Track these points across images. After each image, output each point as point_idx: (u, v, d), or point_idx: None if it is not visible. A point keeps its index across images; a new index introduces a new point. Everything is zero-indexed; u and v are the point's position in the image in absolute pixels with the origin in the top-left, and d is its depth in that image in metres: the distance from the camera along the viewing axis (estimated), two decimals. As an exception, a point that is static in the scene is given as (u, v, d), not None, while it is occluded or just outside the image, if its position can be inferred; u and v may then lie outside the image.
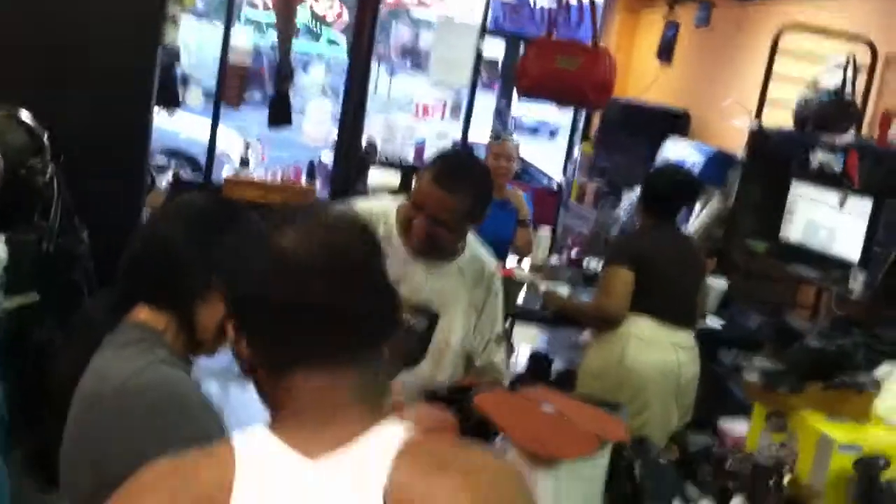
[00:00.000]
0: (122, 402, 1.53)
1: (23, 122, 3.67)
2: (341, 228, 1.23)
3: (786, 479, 2.02)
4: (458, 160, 2.59)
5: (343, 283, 1.17)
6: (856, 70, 4.83)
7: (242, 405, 2.70)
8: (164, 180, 6.94)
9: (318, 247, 1.18)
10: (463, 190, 2.35)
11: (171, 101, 7.66)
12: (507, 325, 5.80)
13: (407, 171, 6.89)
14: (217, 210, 1.75)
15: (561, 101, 6.61)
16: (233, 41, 7.98)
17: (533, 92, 6.08)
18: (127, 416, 1.52)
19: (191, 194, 1.87)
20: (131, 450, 1.48)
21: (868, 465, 1.99)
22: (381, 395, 1.25)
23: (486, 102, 11.59)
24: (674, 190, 3.82)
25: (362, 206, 2.54)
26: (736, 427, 2.47)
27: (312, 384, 1.17)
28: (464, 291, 2.55)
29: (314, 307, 1.16)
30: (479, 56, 8.09)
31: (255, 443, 1.15)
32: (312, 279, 1.16)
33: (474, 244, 2.61)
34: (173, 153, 9.94)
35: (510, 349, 6.05)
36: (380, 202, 2.61)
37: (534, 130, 22.45)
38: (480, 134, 10.59)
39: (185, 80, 9.33)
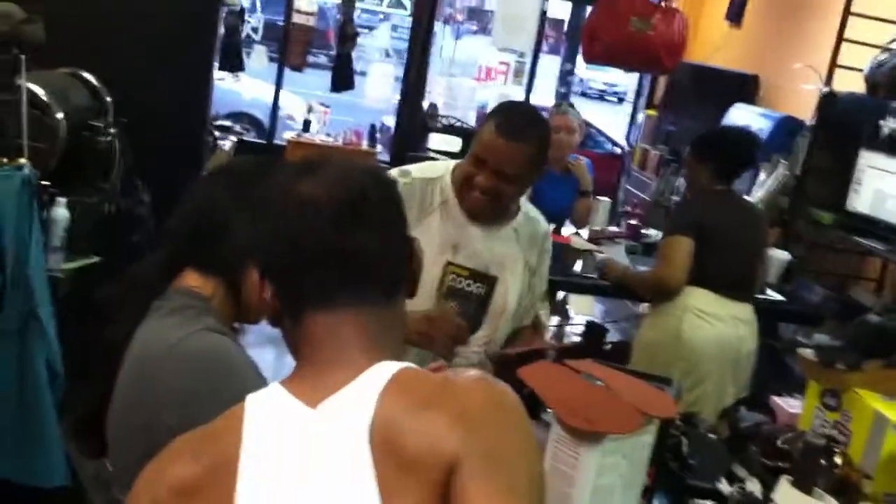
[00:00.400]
0: (171, 368, 1.53)
1: (86, 82, 3.71)
2: (355, 173, 1.25)
3: (837, 460, 1.97)
4: (518, 109, 2.53)
5: (351, 223, 1.19)
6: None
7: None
8: (228, 142, 6.99)
9: (329, 187, 1.21)
10: (528, 138, 2.29)
11: (235, 63, 7.75)
12: (563, 294, 5.78)
13: (468, 136, 6.85)
14: (264, 172, 1.70)
15: (633, 66, 6.50)
16: (297, 2, 8.00)
17: (604, 58, 5.98)
18: (175, 382, 1.53)
19: (242, 157, 1.87)
20: (182, 415, 1.49)
21: (924, 447, 1.94)
22: (394, 343, 1.26)
23: (550, 65, 11.46)
24: (736, 152, 3.72)
25: (417, 169, 2.50)
26: (790, 404, 2.42)
27: (320, 327, 1.20)
28: (520, 254, 2.52)
29: (323, 247, 1.19)
30: (543, 16, 7.99)
31: (264, 399, 1.17)
32: (321, 219, 1.18)
33: (527, 205, 2.58)
34: (237, 115, 10.02)
35: (566, 317, 6.03)
36: (434, 165, 2.57)
37: (600, 95, 22.17)
38: (544, 98, 10.50)
39: (250, 42, 9.40)
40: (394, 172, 2.43)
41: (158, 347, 1.56)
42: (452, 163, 2.50)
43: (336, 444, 1.11)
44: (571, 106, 4.85)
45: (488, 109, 7.99)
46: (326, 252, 1.19)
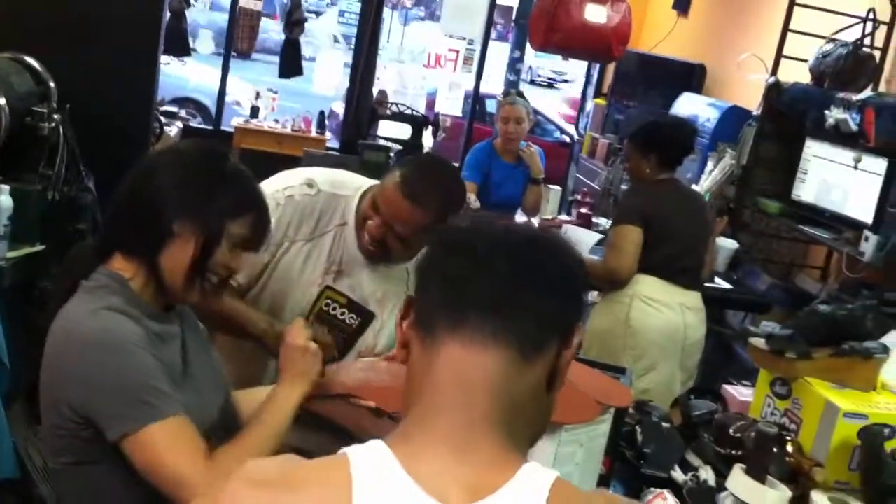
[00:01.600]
0: (69, 349, 1.62)
1: (29, 67, 3.62)
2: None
3: (789, 448, 2.00)
4: (431, 168, 2.30)
5: (535, 257, 1.10)
6: (875, 24, 4.74)
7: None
8: (174, 128, 6.90)
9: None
10: (428, 204, 2.13)
11: (181, 48, 7.64)
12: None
13: (418, 123, 6.82)
14: (192, 157, 1.77)
15: (583, 55, 6.52)
16: (243, -13, 7.89)
17: (557, 46, 5.98)
18: (67, 359, 1.62)
19: (177, 142, 1.89)
20: (79, 395, 1.61)
21: (873, 435, 1.97)
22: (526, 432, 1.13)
23: (499, 53, 11.47)
24: (676, 142, 3.76)
25: (325, 182, 2.34)
26: (740, 392, 2.45)
27: (454, 358, 1.06)
28: (403, 295, 2.33)
29: (495, 267, 1.07)
30: (492, 3, 7.98)
31: (377, 471, 1.02)
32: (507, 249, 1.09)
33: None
34: (183, 101, 9.88)
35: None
36: (345, 182, 2.38)
37: (549, 82, 22.23)
38: (493, 86, 10.50)
39: (195, 28, 9.27)
40: (299, 179, 2.33)
41: (63, 327, 1.64)
42: (366, 185, 2.35)
43: None
44: (520, 95, 4.85)
45: (438, 96, 7.99)
46: (497, 269, 1.07)
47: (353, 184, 2.36)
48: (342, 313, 2.31)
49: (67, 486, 1.73)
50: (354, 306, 2.31)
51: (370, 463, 1.02)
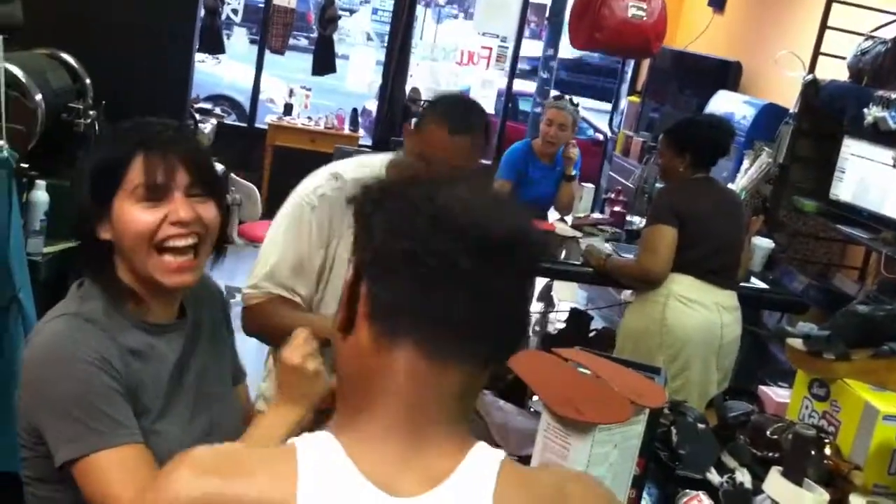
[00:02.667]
0: (27, 354, 1.54)
1: (65, 64, 3.65)
2: (516, 209, 1.10)
3: (827, 450, 1.97)
4: (458, 101, 2.40)
5: (502, 264, 1.03)
6: (916, 21, 4.68)
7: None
8: (208, 125, 6.93)
9: (487, 216, 1.04)
10: (474, 127, 2.24)
11: (216, 46, 7.68)
12: (548, 281, 5.78)
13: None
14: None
15: (623, 52, 6.49)
16: (278, -15, 7.91)
17: (597, 44, 5.96)
18: (25, 368, 1.52)
19: None
20: (25, 404, 1.52)
21: (913, 438, 1.94)
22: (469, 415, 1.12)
23: (532, 50, 11.42)
24: (713, 141, 3.72)
25: (349, 170, 2.37)
26: (777, 393, 2.41)
27: (415, 370, 1.03)
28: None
29: (467, 275, 1.01)
30: (526, 2, 7.95)
31: (323, 463, 1.01)
32: (475, 246, 1.01)
33: None
34: (217, 98, 9.93)
35: (550, 304, 6.03)
36: (366, 163, 2.43)
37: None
38: (526, 84, 10.47)
39: (230, 25, 9.31)
40: (325, 176, 2.35)
41: (35, 330, 1.57)
42: (387, 157, 2.40)
43: None
44: (571, 102, 4.81)
45: (471, 94, 7.97)
46: (468, 282, 1.01)
47: (376, 161, 2.41)
48: None
49: (29, 501, 1.60)
50: None
51: (317, 454, 1.01)
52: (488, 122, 2.34)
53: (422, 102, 7.27)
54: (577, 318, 5.49)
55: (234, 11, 9.29)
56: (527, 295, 1.10)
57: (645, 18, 5.71)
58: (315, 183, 2.34)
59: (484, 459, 1.04)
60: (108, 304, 1.55)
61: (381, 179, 1.11)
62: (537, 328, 5.54)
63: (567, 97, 4.85)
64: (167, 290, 1.60)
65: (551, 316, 5.96)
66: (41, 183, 3.17)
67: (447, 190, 1.04)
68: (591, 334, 5.20)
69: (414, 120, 2.44)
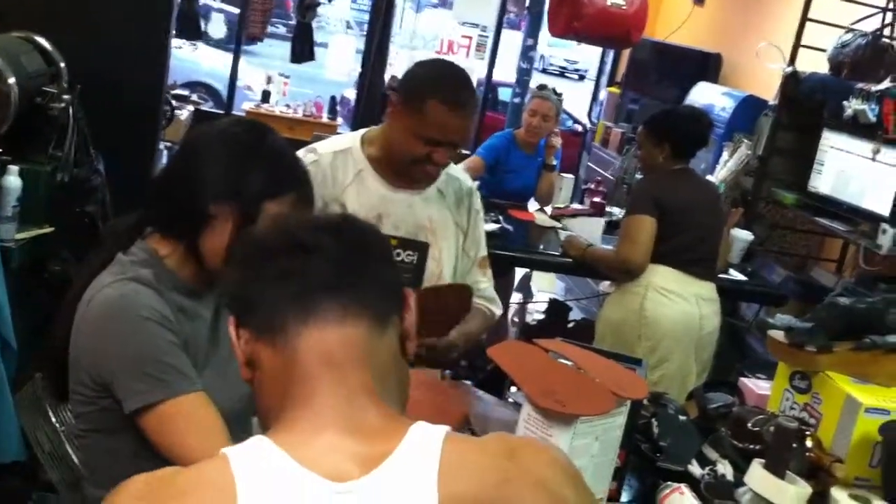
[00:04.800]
0: (87, 313, 1.62)
1: (39, 47, 3.58)
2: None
3: (809, 443, 1.96)
4: (448, 74, 2.35)
5: (355, 233, 1.14)
6: (895, 14, 4.68)
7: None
8: (185, 111, 6.87)
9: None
10: (473, 105, 2.28)
11: (193, 31, 7.60)
12: (527, 271, 5.77)
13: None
14: (230, 134, 1.73)
15: (602, 41, 6.48)
16: (256, -30, 7.84)
17: (582, 32, 5.94)
18: (86, 326, 1.62)
19: (224, 119, 1.86)
20: (90, 359, 1.62)
21: (895, 431, 1.93)
22: (399, 382, 1.15)
23: (512, 40, 11.39)
24: (692, 132, 3.71)
25: (322, 145, 2.42)
26: (758, 385, 2.40)
27: (316, 346, 1.06)
28: (448, 214, 2.44)
29: (324, 249, 1.09)
30: (506, -9, 7.93)
31: (259, 463, 1.00)
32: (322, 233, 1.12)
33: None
34: (194, 85, 9.85)
35: (529, 295, 6.02)
36: (341, 137, 2.48)
37: (561, 71, 22.13)
38: (506, 73, 10.44)
39: (207, 11, 9.23)
40: (302, 152, 2.33)
41: (89, 295, 1.64)
42: (359, 132, 2.43)
43: None
44: (555, 93, 4.79)
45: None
46: (327, 253, 1.09)
47: (347, 137, 2.43)
48: (398, 254, 2.29)
49: (88, 453, 1.74)
50: (406, 243, 2.31)
51: (251, 457, 1.00)
52: (476, 96, 2.38)
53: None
54: (556, 309, 5.48)
55: (212, -2, 9.22)
56: (373, 249, 1.15)
57: (625, 8, 5.68)
58: None
59: (425, 437, 1.04)
60: (157, 270, 1.67)
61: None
62: (516, 319, 5.53)
63: (550, 87, 4.83)
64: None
65: (530, 307, 5.95)
66: (14, 168, 3.12)
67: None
68: (570, 325, 5.20)
69: (392, 84, 2.45)
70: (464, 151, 4.62)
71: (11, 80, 3.14)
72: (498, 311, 2.57)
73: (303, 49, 7.89)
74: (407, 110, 2.26)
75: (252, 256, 1.13)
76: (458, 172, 2.52)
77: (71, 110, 3.48)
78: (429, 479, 1.00)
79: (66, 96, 3.48)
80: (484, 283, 2.52)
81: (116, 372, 1.58)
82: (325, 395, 1.05)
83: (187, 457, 1.52)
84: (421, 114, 2.22)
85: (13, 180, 3.10)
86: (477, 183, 2.58)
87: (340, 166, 2.34)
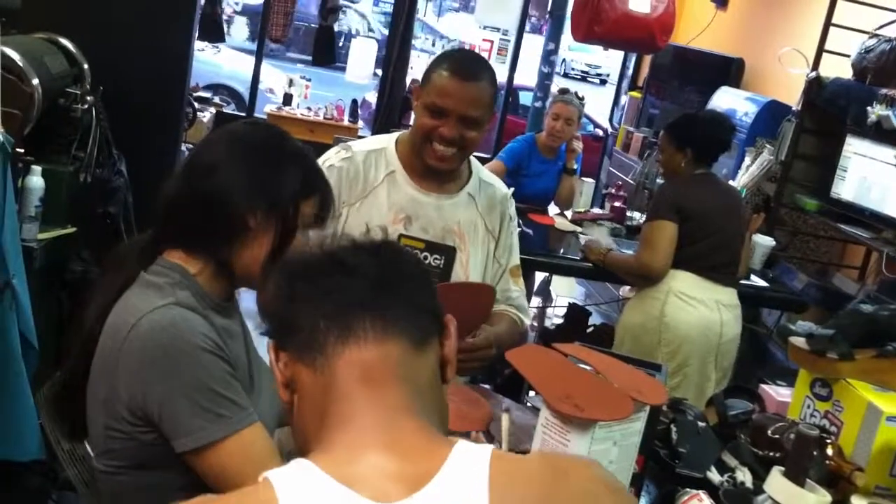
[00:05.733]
0: (129, 342, 1.51)
1: (63, 48, 3.61)
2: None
3: (829, 451, 1.94)
4: (462, 52, 2.48)
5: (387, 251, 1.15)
6: (922, 19, 4.64)
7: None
8: (207, 114, 6.90)
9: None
10: (484, 76, 2.22)
11: (216, 34, 7.63)
12: (546, 275, 5.75)
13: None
14: (257, 139, 1.68)
15: (627, 45, 6.45)
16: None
17: (599, 37, 5.91)
18: (130, 356, 1.50)
19: (234, 124, 1.78)
20: (135, 392, 1.50)
21: (916, 440, 1.91)
22: (435, 405, 1.13)
23: (534, 45, 11.38)
24: (714, 137, 3.69)
25: (357, 143, 2.41)
26: (778, 392, 2.38)
27: (357, 365, 1.06)
28: (479, 219, 2.40)
29: (364, 269, 1.11)
30: (528, -6, 7.92)
31: (303, 486, 0.99)
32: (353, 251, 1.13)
33: (480, 169, 2.47)
34: (216, 87, 9.90)
35: (548, 299, 6.00)
36: (376, 138, 2.47)
37: (583, 76, 22.08)
38: (528, 77, 10.43)
39: (230, 14, 9.27)
40: (335, 150, 2.36)
41: (124, 321, 1.53)
42: (396, 134, 2.41)
43: None
44: (578, 97, 4.79)
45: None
46: (360, 273, 1.11)
47: (384, 138, 2.41)
48: (424, 257, 2.29)
49: (123, 489, 1.60)
50: (433, 247, 2.30)
51: (294, 480, 0.99)
52: (494, 76, 2.30)
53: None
54: (576, 314, 5.46)
55: (236, 1, 9.26)
56: (414, 276, 1.15)
57: (648, 13, 5.65)
58: (324, 157, 2.34)
59: (470, 456, 1.02)
60: (191, 291, 1.59)
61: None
62: (535, 323, 5.51)
63: (572, 91, 4.82)
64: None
65: (549, 311, 5.93)
66: (37, 168, 3.14)
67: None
68: (589, 330, 5.18)
69: (418, 79, 2.43)
70: (483, 155, 4.62)
71: (35, 81, 3.16)
72: (528, 321, 2.56)
73: (324, 52, 7.91)
74: (420, 90, 2.28)
75: (293, 277, 1.13)
76: (493, 178, 2.49)
77: (94, 111, 3.51)
78: (479, 492, 0.99)
79: (88, 98, 3.50)
80: (515, 291, 2.49)
81: (168, 406, 1.48)
82: (365, 415, 1.05)
83: None
84: (428, 85, 2.24)
85: (36, 181, 3.12)
86: (511, 191, 2.55)
87: (373, 165, 2.33)
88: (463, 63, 2.25)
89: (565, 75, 20.49)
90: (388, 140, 2.39)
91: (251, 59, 8.29)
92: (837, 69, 4.88)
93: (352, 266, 1.10)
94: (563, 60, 20.00)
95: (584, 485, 1.05)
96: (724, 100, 6.16)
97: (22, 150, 3.08)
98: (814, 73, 4.87)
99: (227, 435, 1.49)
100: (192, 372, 1.49)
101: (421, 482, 0.99)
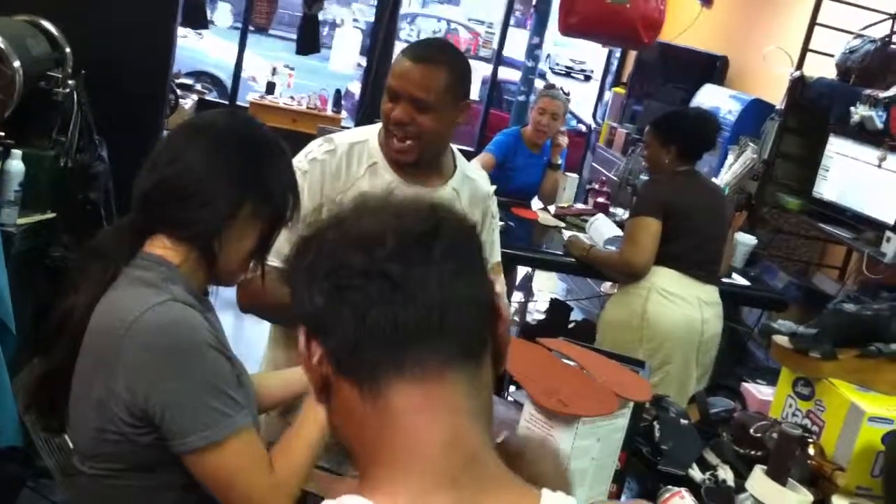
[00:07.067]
0: (129, 340, 1.45)
1: (45, 31, 3.57)
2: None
3: (811, 450, 1.94)
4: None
5: (429, 252, 0.95)
6: (905, 20, 4.67)
7: (257, 338, 2.66)
8: (189, 101, 6.85)
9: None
10: (441, 61, 2.17)
11: (199, 20, 7.57)
12: (529, 270, 5.75)
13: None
14: (244, 132, 1.64)
15: (612, 40, 6.40)
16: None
17: (580, 30, 5.85)
18: (131, 355, 1.45)
19: (211, 112, 1.74)
20: (137, 391, 1.45)
21: (897, 440, 1.91)
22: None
23: (518, 39, 11.38)
24: (700, 134, 3.69)
25: (339, 135, 2.38)
26: (760, 391, 2.39)
27: (417, 400, 0.93)
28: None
29: (415, 282, 0.93)
30: (514, -11, 7.90)
31: None
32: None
33: (465, 164, 2.44)
34: (198, 74, 9.83)
35: (530, 294, 6.01)
36: (359, 130, 2.43)
37: (567, 71, 22.09)
38: (512, 72, 10.42)
39: (214, 0, 9.20)
40: (318, 142, 2.34)
41: (119, 319, 1.48)
42: (378, 125, 2.36)
43: None
44: (563, 91, 4.78)
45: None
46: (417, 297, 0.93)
47: (367, 129, 2.38)
48: None
49: (108, 492, 1.55)
50: None
51: None
52: (465, 64, 2.25)
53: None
54: (557, 309, 5.46)
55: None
56: (466, 266, 0.99)
57: (627, 6, 5.56)
58: (306, 150, 2.31)
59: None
60: (181, 286, 1.55)
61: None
62: (517, 318, 5.51)
63: (558, 86, 4.82)
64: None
65: (530, 306, 5.93)
66: (17, 152, 3.10)
67: (337, 221, 0.99)
68: (571, 325, 5.18)
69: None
70: (466, 148, 4.60)
71: (16, 64, 3.13)
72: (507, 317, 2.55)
73: (308, 41, 7.86)
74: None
75: (330, 274, 0.95)
76: (476, 174, 2.47)
77: (75, 95, 3.47)
78: None
79: (70, 81, 3.47)
80: (497, 288, 2.48)
81: (172, 405, 1.44)
82: (435, 461, 0.92)
83: (249, 495, 1.47)
84: (390, 72, 2.22)
85: (16, 164, 3.09)
86: (493, 188, 2.52)
87: (355, 157, 2.30)
88: (421, 47, 2.28)
89: (549, 70, 20.48)
90: (370, 132, 2.36)
91: (234, 47, 8.24)
92: (822, 69, 4.90)
93: (400, 278, 0.92)
94: (548, 55, 19.98)
95: None
96: (708, 97, 6.17)
97: (2, 134, 3.05)
98: (798, 73, 4.89)
99: (230, 433, 1.46)
100: (203, 370, 1.46)
101: None
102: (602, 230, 4.24)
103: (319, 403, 1.01)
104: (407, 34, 9.78)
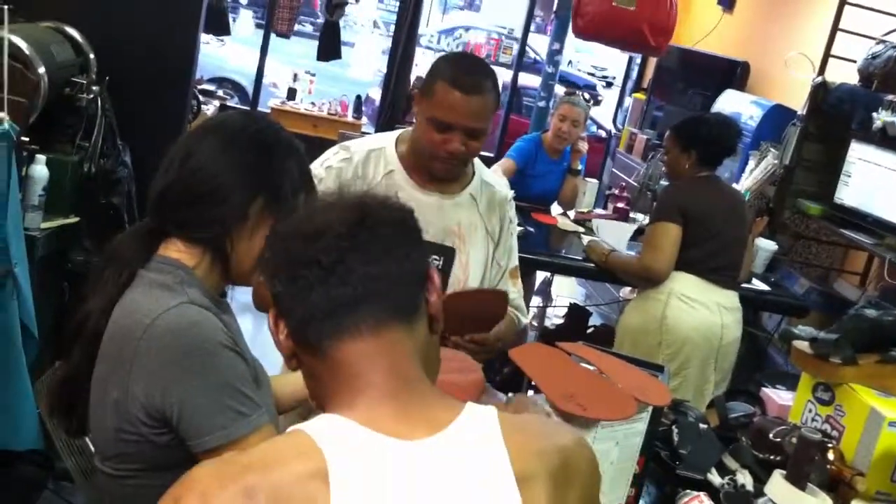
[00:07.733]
0: (147, 342, 1.46)
1: (69, 37, 3.60)
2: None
3: (830, 455, 1.94)
4: (463, 57, 2.40)
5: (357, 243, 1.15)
6: (929, 25, 4.64)
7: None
8: (211, 107, 6.89)
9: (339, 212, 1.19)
10: (488, 88, 2.19)
11: (221, 27, 7.62)
12: (547, 275, 5.75)
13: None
14: (255, 130, 1.64)
15: (619, 44, 6.37)
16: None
17: (588, 33, 5.83)
18: (148, 357, 1.46)
19: (223, 112, 1.76)
20: (154, 393, 1.46)
21: (918, 446, 1.91)
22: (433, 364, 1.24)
23: (539, 44, 11.38)
24: (720, 139, 3.68)
25: (356, 143, 2.38)
26: (780, 396, 2.38)
27: (364, 350, 1.14)
28: (479, 220, 2.38)
29: (345, 263, 1.13)
30: (533, -6, 7.91)
31: (334, 430, 1.09)
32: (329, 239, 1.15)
33: (484, 169, 2.45)
34: (220, 80, 9.90)
35: (549, 299, 6.00)
36: (376, 137, 2.44)
37: (606, 81, 21.97)
38: (532, 78, 10.42)
39: (236, 7, 9.26)
40: (334, 150, 2.34)
41: (137, 322, 1.48)
42: (396, 133, 2.39)
43: (465, 476, 1.08)
44: (585, 98, 4.79)
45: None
46: (333, 267, 1.13)
47: (384, 137, 2.39)
48: None
49: (128, 493, 1.56)
50: (432, 247, 2.26)
51: (325, 427, 1.09)
52: (496, 80, 2.26)
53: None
54: (576, 314, 5.46)
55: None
56: (394, 247, 1.17)
57: (632, 9, 5.51)
58: (322, 157, 2.32)
59: (481, 410, 1.15)
60: (198, 289, 1.56)
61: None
62: (535, 323, 5.51)
63: (579, 93, 4.83)
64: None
65: (549, 311, 5.93)
66: (41, 157, 3.14)
67: (295, 221, 1.22)
68: (589, 331, 5.17)
69: (417, 85, 2.41)
70: (486, 154, 4.62)
71: (41, 70, 3.16)
72: (525, 321, 2.55)
73: (329, 47, 7.90)
74: (422, 99, 2.25)
75: (286, 266, 1.17)
76: (494, 179, 2.47)
77: (99, 101, 3.50)
78: (494, 434, 1.11)
79: (94, 87, 3.50)
80: (514, 293, 2.47)
81: (188, 405, 1.45)
82: (379, 386, 1.13)
83: None
84: (430, 97, 2.20)
85: (40, 169, 3.12)
86: (512, 193, 2.53)
87: (372, 164, 2.31)
88: (464, 74, 2.19)
89: (587, 75, 20.39)
90: (388, 139, 2.36)
91: (256, 54, 8.28)
92: (843, 74, 4.87)
93: (332, 262, 1.13)
94: (569, 62, 19.92)
95: (588, 451, 1.20)
96: (729, 103, 6.15)
97: (27, 139, 3.08)
98: (819, 78, 4.87)
99: (247, 433, 1.47)
100: (218, 370, 1.47)
101: (442, 426, 1.10)
102: (611, 237, 4.24)
103: (291, 370, 1.24)
104: (427, 41, 9.81)
